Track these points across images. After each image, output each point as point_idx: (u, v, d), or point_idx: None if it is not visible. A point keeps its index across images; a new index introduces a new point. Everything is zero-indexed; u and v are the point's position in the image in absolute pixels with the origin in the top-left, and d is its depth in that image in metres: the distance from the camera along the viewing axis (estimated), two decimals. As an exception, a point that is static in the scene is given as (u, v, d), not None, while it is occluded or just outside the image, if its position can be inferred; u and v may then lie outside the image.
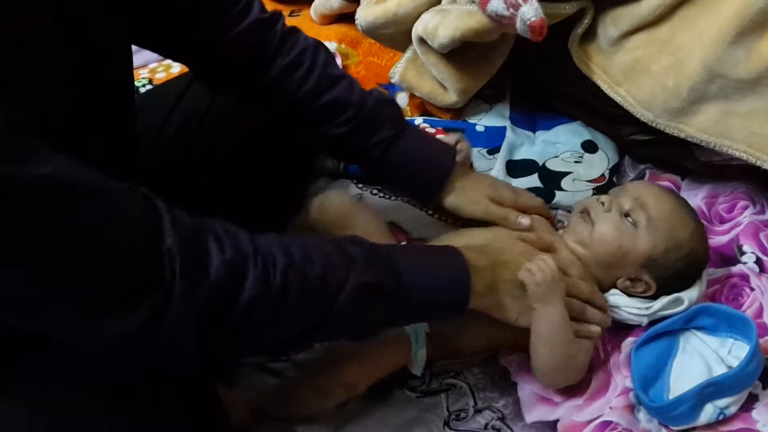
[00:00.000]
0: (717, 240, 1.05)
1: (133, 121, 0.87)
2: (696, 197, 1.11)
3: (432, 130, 1.21)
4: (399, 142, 0.96)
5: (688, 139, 1.02)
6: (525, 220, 0.96)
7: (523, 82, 1.25)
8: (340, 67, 1.01)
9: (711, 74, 0.97)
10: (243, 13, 0.90)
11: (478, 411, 0.89)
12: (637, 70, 1.05)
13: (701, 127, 1.01)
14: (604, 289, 0.94)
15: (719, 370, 0.88)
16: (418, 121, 1.24)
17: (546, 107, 1.24)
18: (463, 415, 0.90)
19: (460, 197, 0.98)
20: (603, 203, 0.92)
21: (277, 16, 0.94)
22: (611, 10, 1.07)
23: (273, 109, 0.96)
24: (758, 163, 0.99)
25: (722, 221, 1.08)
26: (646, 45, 1.05)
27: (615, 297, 0.93)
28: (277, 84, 0.93)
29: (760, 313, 0.95)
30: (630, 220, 0.91)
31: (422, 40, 1.16)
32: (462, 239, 0.93)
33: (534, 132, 1.23)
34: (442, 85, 1.20)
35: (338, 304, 0.71)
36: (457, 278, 0.80)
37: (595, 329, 0.88)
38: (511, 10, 1.01)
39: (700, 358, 0.89)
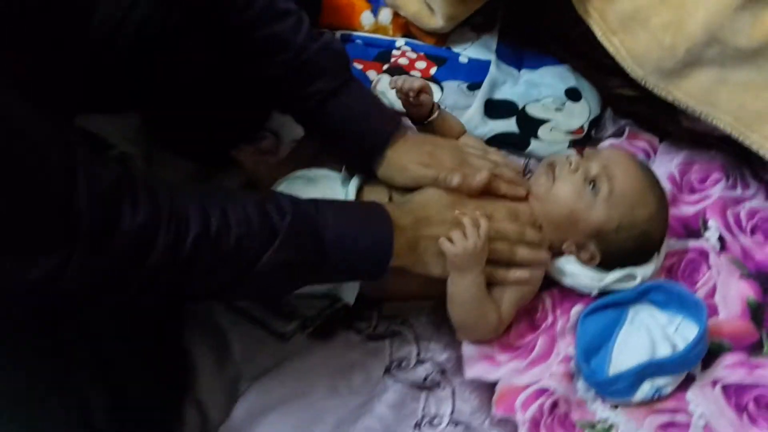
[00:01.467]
0: (684, 210, 1.01)
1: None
2: (671, 162, 1.06)
3: (413, 55, 1.13)
4: (337, 98, 0.87)
5: (675, 104, 0.97)
6: (456, 179, 0.86)
7: (515, 13, 1.16)
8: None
9: (711, 38, 0.90)
10: None
11: (420, 362, 0.87)
12: (636, 20, 0.97)
13: (691, 92, 0.95)
14: (554, 250, 0.91)
15: (663, 348, 0.86)
16: (400, 42, 1.16)
17: (535, 44, 1.16)
18: (405, 363, 0.87)
19: (390, 167, 0.89)
20: (570, 163, 0.87)
21: None
22: (618, -50, 0.99)
23: (211, 32, 0.87)
24: (740, 138, 0.94)
25: (692, 191, 1.04)
26: (649, -6, 0.97)
27: (568, 264, 0.90)
28: (216, 4, 0.84)
29: (712, 292, 0.92)
30: (593, 187, 0.86)
31: (414, -44, 1.07)
32: None
33: (519, 70, 1.16)
34: (429, 6, 1.11)
35: (250, 278, 0.68)
36: (379, 241, 0.77)
37: (522, 274, 0.86)
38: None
39: (646, 333, 0.87)
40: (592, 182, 0.86)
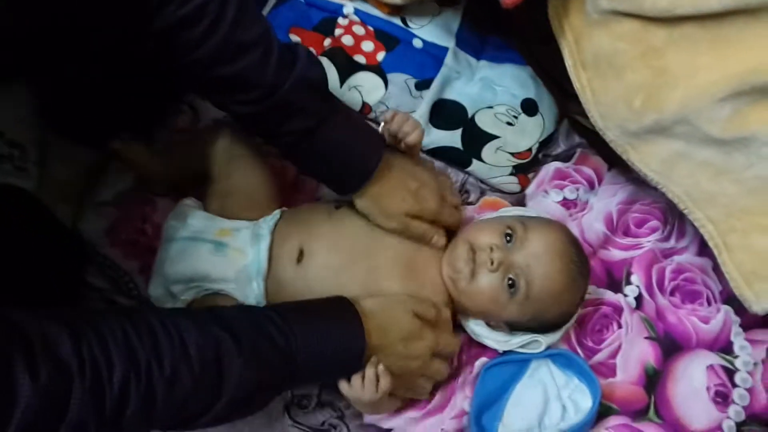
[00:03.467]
0: (612, 254, 0.98)
1: None
2: (613, 198, 1.00)
3: (361, 31, 0.97)
4: (314, 136, 0.76)
5: (627, 162, 0.89)
6: (442, 240, 0.85)
7: None
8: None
9: (683, 118, 0.80)
10: None
11: (320, 404, 0.87)
12: (611, 65, 0.84)
13: (647, 159, 0.85)
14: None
15: (554, 408, 0.88)
16: (348, 9, 0.98)
17: (502, 33, 1.02)
18: (305, 402, 0.87)
19: (374, 206, 0.82)
20: (492, 261, 0.81)
21: None
22: (612, -24, 0.83)
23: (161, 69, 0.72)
24: (686, 212, 0.88)
25: (626, 233, 0.99)
26: (632, 41, 0.82)
27: (477, 327, 0.88)
28: (162, 40, 0.68)
29: (615, 353, 0.92)
30: (510, 285, 0.81)
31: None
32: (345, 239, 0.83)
33: (478, 58, 1.02)
34: (387, -21, 0.94)
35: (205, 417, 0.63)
36: (349, 363, 0.73)
37: (428, 386, 0.85)
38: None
39: (542, 390, 0.88)
40: (511, 281, 0.81)
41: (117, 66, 0.80)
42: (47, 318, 0.56)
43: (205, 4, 0.67)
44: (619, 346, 0.94)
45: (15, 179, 0.86)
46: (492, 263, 0.81)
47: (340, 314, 0.73)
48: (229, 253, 0.81)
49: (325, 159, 0.79)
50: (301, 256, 0.82)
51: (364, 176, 0.79)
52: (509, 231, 0.83)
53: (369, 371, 0.73)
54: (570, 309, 0.86)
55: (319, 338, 0.69)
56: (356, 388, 0.74)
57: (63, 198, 0.92)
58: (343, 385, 0.75)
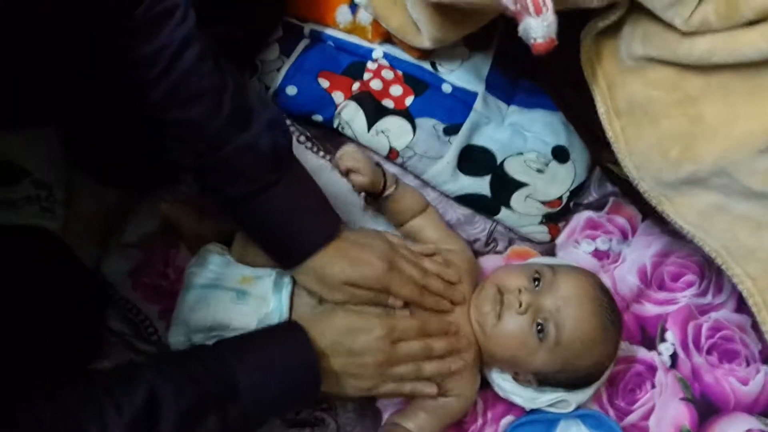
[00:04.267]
0: (647, 308, 0.94)
1: None
2: (647, 249, 0.97)
3: (389, 75, 0.96)
4: (253, 203, 0.75)
5: (663, 215, 0.86)
6: (398, 303, 0.80)
7: (513, 39, 0.98)
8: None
9: (721, 170, 0.77)
10: None
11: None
12: (645, 112, 0.82)
13: (684, 211, 0.83)
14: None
15: None
16: (377, 53, 0.98)
17: (533, 77, 1.00)
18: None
19: (313, 280, 0.79)
20: (520, 303, 0.79)
21: None
22: (647, 23, 0.81)
23: (115, 106, 0.72)
24: (723, 267, 0.84)
25: (661, 287, 0.95)
26: (668, 89, 0.80)
27: (503, 381, 0.85)
28: (119, 77, 0.69)
29: (648, 414, 0.88)
30: (539, 330, 0.78)
31: (403, -28, 0.87)
32: None
33: (509, 104, 1.00)
34: (415, 24, 0.93)
35: None
36: (301, 375, 0.72)
37: (431, 390, 0.80)
38: (518, 6, 0.75)
39: None
40: (540, 325, 0.78)
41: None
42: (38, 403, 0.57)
43: (162, 49, 0.67)
44: (653, 408, 0.89)
45: (41, 220, 0.87)
46: (520, 305, 0.78)
47: (280, 329, 0.74)
48: (251, 301, 0.80)
49: (261, 229, 0.78)
50: (320, 303, 0.80)
51: (301, 255, 0.78)
52: (537, 275, 0.81)
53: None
54: (602, 361, 0.82)
55: (261, 359, 0.69)
56: None
57: (88, 238, 0.93)
58: None
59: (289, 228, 0.77)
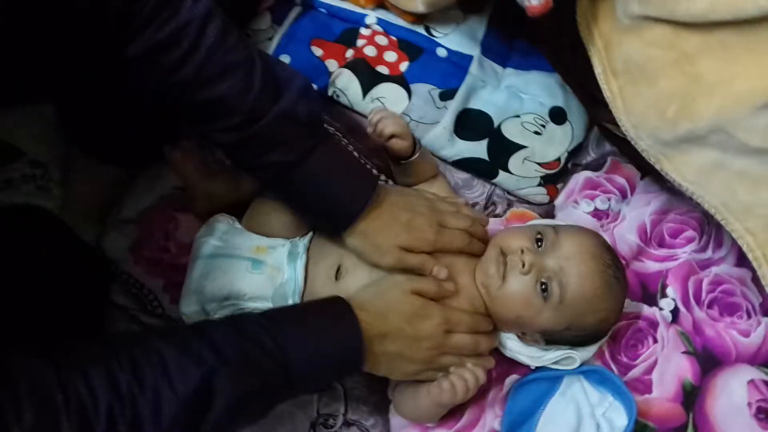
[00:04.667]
0: (647, 265, 0.95)
1: None
2: (646, 208, 0.97)
3: (383, 41, 0.95)
4: (297, 169, 0.74)
5: (662, 173, 0.87)
6: (443, 272, 0.81)
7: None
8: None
9: (719, 127, 0.77)
10: None
11: (346, 423, 0.86)
12: (643, 71, 0.82)
13: (682, 169, 0.83)
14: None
15: (588, 427, 0.85)
16: (371, 19, 0.97)
17: (527, 38, 0.99)
18: (331, 422, 0.86)
19: (365, 244, 0.80)
20: (523, 264, 0.79)
21: None
22: (644, -19, 0.80)
23: (140, 95, 0.71)
24: (723, 223, 0.85)
25: (661, 244, 0.96)
26: (665, 46, 0.80)
27: (509, 341, 0.86)
28: (144, 63, 0.67)
29: (651, 368, 0.90)
30: (544, 290, 0.79)
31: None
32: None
33: (504, 66, 1.00)
34: (409, -12, 0.92)
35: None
36: (348, 361, 0.71)
37: (481, 375, 0.81)
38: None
39: (575, 408, 0.86)
40: (543, 285, 0.79)
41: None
42: (35, 355, 0.56)
43: (184, 26, 0.66)
44: (655, 362, 0.91)
45: (37, 199, 0.87)
46: (523, 265, 0.79)
47: (332, 312, 0.72)
48: (267, 270, 0.81)
49: (307, 196, 0.78)
50: (338, 272, 0.81)
51: (350, 217, 0.78)
52: (539, 236, 0.82)
53: (463, 372, 0.75)
54: (608, 318, 0.83)
55: (312, 338, 0.68)
56: (446, 391, 0.75)
57: (86, 216, 0.93)
58: (431, 389, 0.76)
59: (333, 191, 0.77)
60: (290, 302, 0.80)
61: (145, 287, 0.92)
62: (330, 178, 0.77)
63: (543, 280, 0.79)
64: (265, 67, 0.72)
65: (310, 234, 0.85)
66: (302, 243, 0.84)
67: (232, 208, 0.89)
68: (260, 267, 0.81)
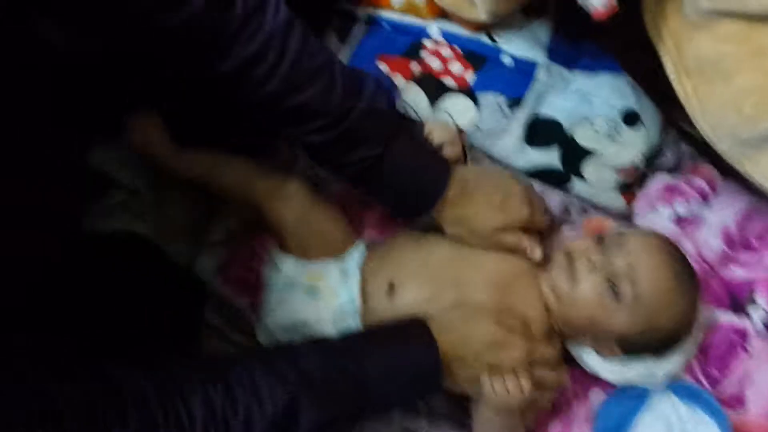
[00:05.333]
0: (733, 273, 0.90)
1: None
2: (728, 210, 0.93)
3: (448, 53, 0.96)
4: (382, 164, 0.77)
5: (745, 176, 0.83)
6: (539, 253, 0.83)
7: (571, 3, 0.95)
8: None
9: (803, 121, 0.75)
10: None
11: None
12: (717, 69, 0.79)
13: (764, 170, 0.79)
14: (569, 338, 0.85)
15: None
16: (433, 30, 0.97)
17: (595, 38, 0.97)
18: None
19: (464, 230, 0.82)
20: (590, 260, 0.79)
21: None
22: (713, -25, 0.77)
23: (234, 106, 0.75)
24: (814, 224, 0.82)
25: (748, 247, 0.91)
26: (739, 41, 0.76)
27: (588, 356, 0.84)
28: (234, 79, 0.71)
29: (744, 382, 0.84)
30: (615, 290, 0.78)
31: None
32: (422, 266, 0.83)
33: (572, 70, 0.98)
34: (470, -2, 0.92)
35: None
36: (425, 380, 0.73)
37: (551, 397, 0.82)
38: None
39: (664, 426, 0.83)
40: (613, 284, 0.78)
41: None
42: (139, 374, 0.61)
43: (269, 39, 0.69)
44: (748, 375, 0.86)
45: (133, 225, 0.92)
46: (591, 264, 0.79)
47: (411, 334, 0.73)
48: (323, 295, 0.83)
49: (394, 184, 0.79)
50: (391, 289, 0.82)
51: (436, 195, 0.80)
52: (602, 239, 0.82)
53: (508, 375, 0.74)
54: (683, 318, 0.81)
55: (390, 360, 0.70)
56: (500, 393, 0.74)
57: (179, 239, 0.97)
58: (488, 389, 0.75)
59: (417, 176, 0.80)
60: (350, 322, 0.82)
61: (234, 307, 0.96)
62: (411, 164, 0.79)
63: (612, 279, 0.78)
64: (343, 67, 0.75)
65: (361, 249, 0.87)
66: (354, 261, 0.85)
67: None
68: (316, 293, 0.84)
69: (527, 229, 0.84)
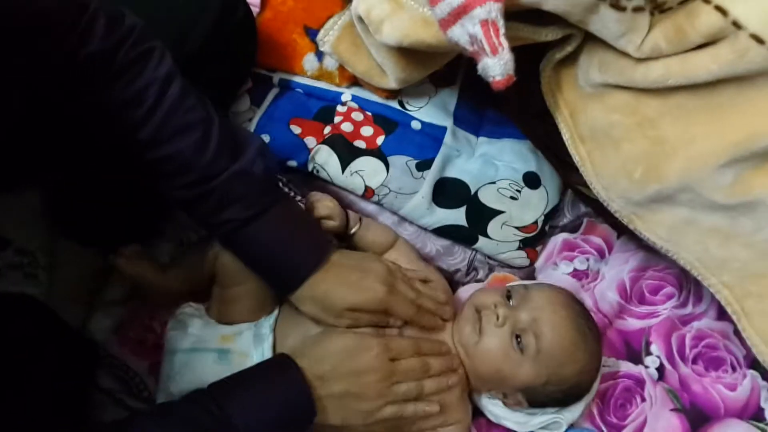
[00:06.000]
0: (629, 323, 0.97)
1: None
2: (625, 266, 1.00)
3: (359, 117, 0.99)
4: (250, 228, 0.78)
5: (636, 232, 0.90)
6: (397, 323, 0.84)
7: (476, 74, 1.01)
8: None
9: (686, 186, 0.80)
10: (86, 32, 0.67)
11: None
12: (608, 137, 0.86)
13: (655, 228, 0.86)
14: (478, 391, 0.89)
15: None
16: (346, 96, 1.01)
17: (498, 106, 1.04)
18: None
19: (317, 309, 0.82)
20: (498, 316, 0.83)
21: (127, 34, 0.70)
22: (602, 52, 0.84)
23: (109, 147, 0.75)
24: (699, 278, 0.88)
25: (642, 301, 0.98)
26: (627, 113, 0.84)
27: (494, 407, 0.88)
28: (104, 120, 0.72)
29: (641, 428, 0.90)
30: (519, 343, 0.82)
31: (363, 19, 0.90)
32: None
33: (477, 135, 1.04)
34: (380, 67, 0.97)
35: None
36: (297, 410, 0.74)
37: (431, 408, 0.82)
38: (475, 47, 0.79)
39: None
40: (518, 338, 0.82)
41: (122, 170, 0.83)
42: None
43: (149, 86, 0.71)
44: (645, 421, 0.92)
45: (25, 287, 0.88)
46: (497, 318, 0.82)
47: (274, 365, 0.76)
48: (234, 358, 0.82)
49: (259, 255, 0.80)
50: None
51: (299, 279, 0.80)
52: (509, 293, 0.86)
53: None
54: (586, 369, 0.85)
55: (255, 394, 0.71)
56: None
57: (73, 300, 0.94)
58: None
59: (287, 250, 0.80)
60: None
61: (131, 369, 0.93)
62: (282, 238, 0.80)
63: (517, 333, 0.82)
64: (223, 127, 0.76)
65: (275, 312, 0.87)
66: (267, 323, 0.85)
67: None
68: (227, 356, 0.83)
69: (386, 310, 0.84)
